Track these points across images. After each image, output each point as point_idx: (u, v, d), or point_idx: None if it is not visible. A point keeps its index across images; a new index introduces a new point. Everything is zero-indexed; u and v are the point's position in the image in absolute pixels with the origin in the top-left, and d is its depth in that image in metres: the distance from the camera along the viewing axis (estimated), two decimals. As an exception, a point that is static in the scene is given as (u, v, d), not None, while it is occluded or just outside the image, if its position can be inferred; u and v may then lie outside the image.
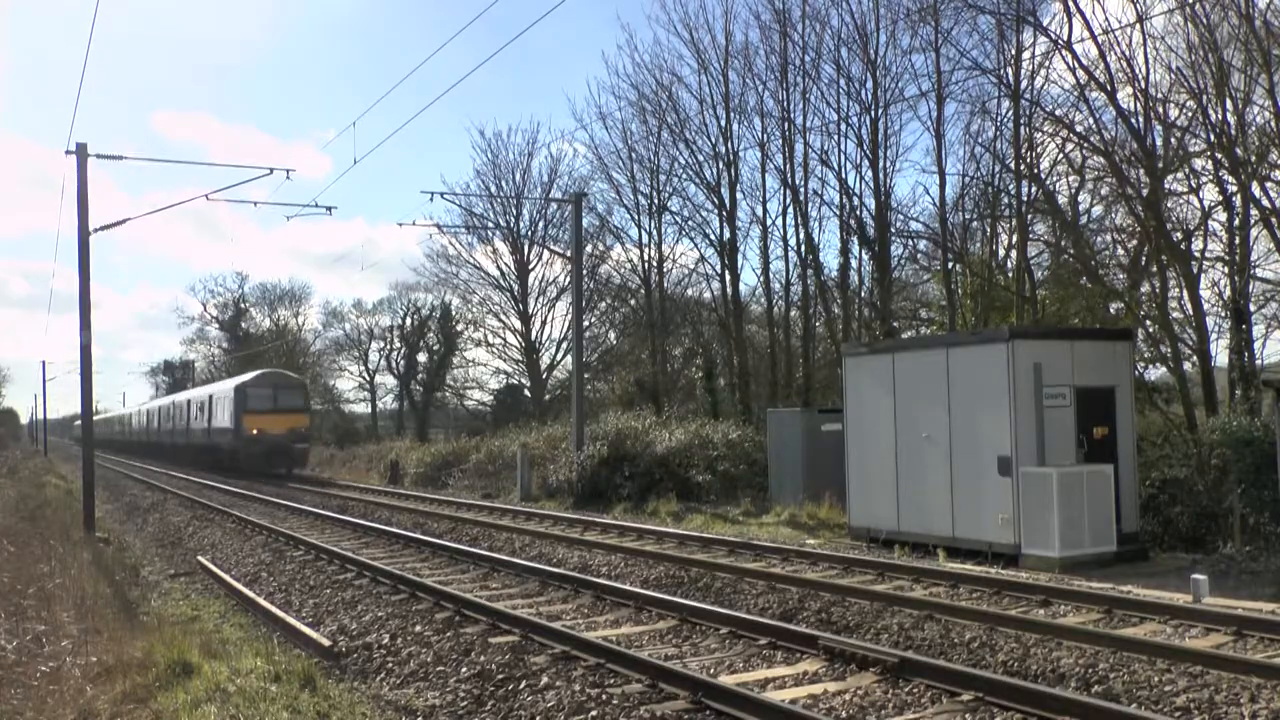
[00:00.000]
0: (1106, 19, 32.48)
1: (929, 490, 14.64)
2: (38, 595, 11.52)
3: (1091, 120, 24.48)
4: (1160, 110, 23.16)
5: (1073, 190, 25.10)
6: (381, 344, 65.07)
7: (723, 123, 32.08)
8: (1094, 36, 23.26)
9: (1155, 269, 19.92)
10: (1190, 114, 22.59)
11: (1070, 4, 23.51)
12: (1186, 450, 16.18)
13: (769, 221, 31.89)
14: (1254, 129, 19.27)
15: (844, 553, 14.14)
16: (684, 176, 34.09)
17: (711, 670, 8.07)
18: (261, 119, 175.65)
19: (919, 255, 30.28)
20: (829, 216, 32.31)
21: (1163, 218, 19.08)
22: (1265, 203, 17.94)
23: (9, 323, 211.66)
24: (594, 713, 7.08)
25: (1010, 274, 25.07)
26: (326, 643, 9.55)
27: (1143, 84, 23.03)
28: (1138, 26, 22.49)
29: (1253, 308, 18.73)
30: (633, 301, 38.54)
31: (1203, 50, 22.31)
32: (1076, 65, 23.82)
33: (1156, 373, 21.21)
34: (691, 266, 36.53)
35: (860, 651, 7.96)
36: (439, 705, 7.67)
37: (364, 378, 67.84)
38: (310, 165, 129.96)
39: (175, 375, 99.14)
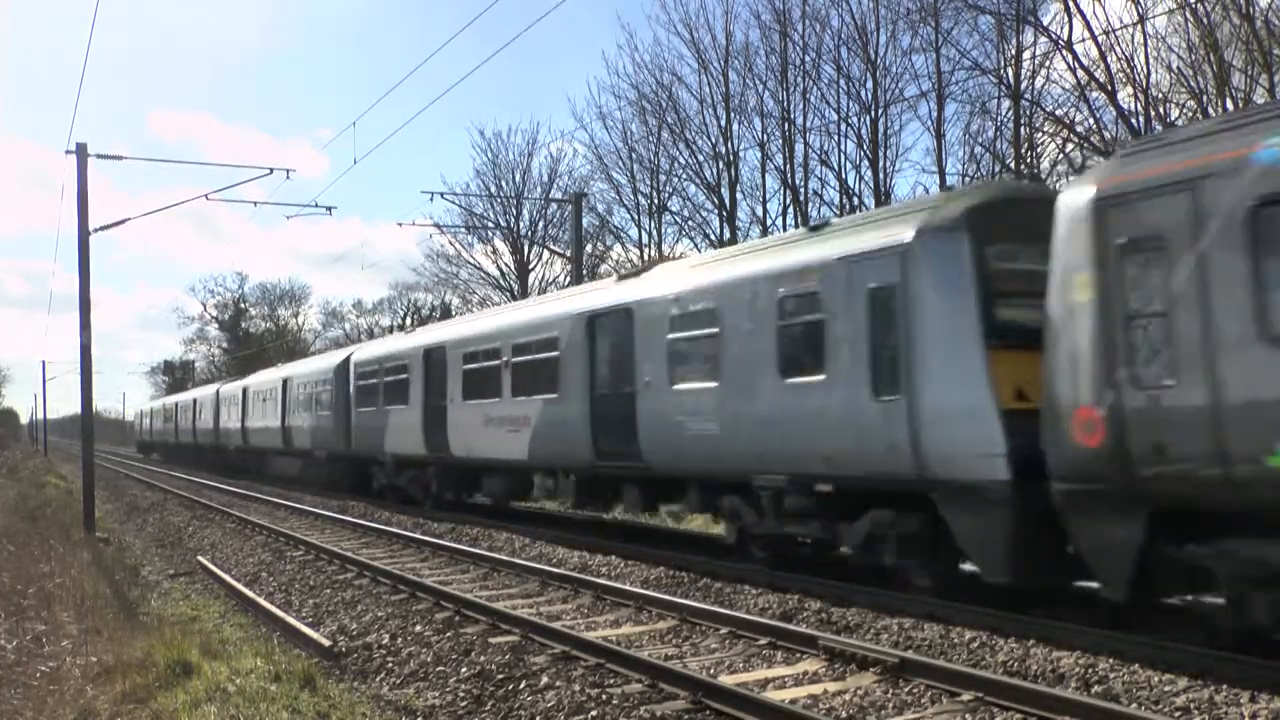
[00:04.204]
0: (1107, 19, 32.44)
1: None
2: (38, 595, 11.52)
3: (1092, 120, 24.55)
4: (1161, 110, 23.19)
5: (1073, 190, 25.14)
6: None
7: (723, 123, 32.14)
8: (1094, 37, 23.31)
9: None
10: (1191, 114, 22.61)
11: (1070, 4, 23.55)
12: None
13: (769, 221, 31.93)
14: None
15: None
16: (684, 176, 34.14)
17: (711, 670, 8.06)
18: (258, 118, 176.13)
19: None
20: (830, 216, 32.31)
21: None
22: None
23: (8, 323, 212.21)
24: (594, 713, 7.08)
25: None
26: (326, 643, 9.55)
27: (1143, 84, 23.08)
28: (1138, 27, 22.51)
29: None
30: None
31: (1203, 50, 22.33)
32: (1077, 65, 23.89)
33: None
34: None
35: (860, 651, 7.96)
36: (439, 705, 7.67)
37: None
38: (308, 164, 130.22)
39: (175, 375, 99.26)
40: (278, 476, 34.66)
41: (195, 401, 50.75)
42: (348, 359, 26.29)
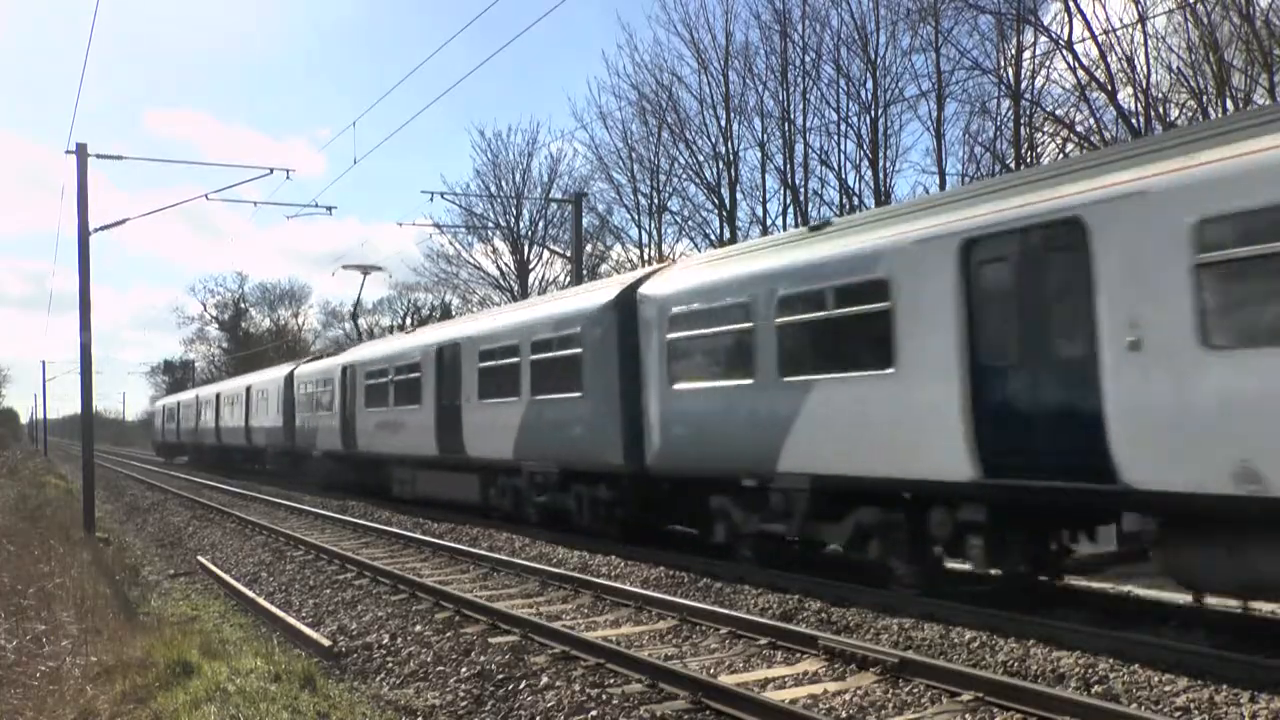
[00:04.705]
0: (1107, 19, 32.45)
1: None
2: (38, 595, 11.51)
3: (1092, 120, 24.56)
4: (1161, 110, 23.19)
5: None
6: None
7: (723, 123, 32.15)
8: (1094, 36, 23.32)
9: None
10: (1191, 114, 22.61)
11: (1071, 4, 23.56)
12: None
13: (769, 221, 31.93)
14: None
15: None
16: (684, 176, 34.14)
17: (711, 670, 8.06)
18: (257, 118, 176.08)
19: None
20: (829, 216, 32.35)
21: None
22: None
23: (8, 323, 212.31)
24: (594, 713, 7.08)
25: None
26: (326, 643, 9.55)
27: (1143, 84, 23.09)
28: (1138, 26, 22.52)
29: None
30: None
31: (1203, 50, 22.34)
32: (1077, 65, 23.90)
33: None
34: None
35: (860, 651, 7.96)
36: (439, 705, 7.67)
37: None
38: (307, 164, 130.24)
39: (175, 375, 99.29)
40: (425, 500, 21.73)
41: (250, 391, 37.77)
42: (631, 293, 14.20)
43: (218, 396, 44.44)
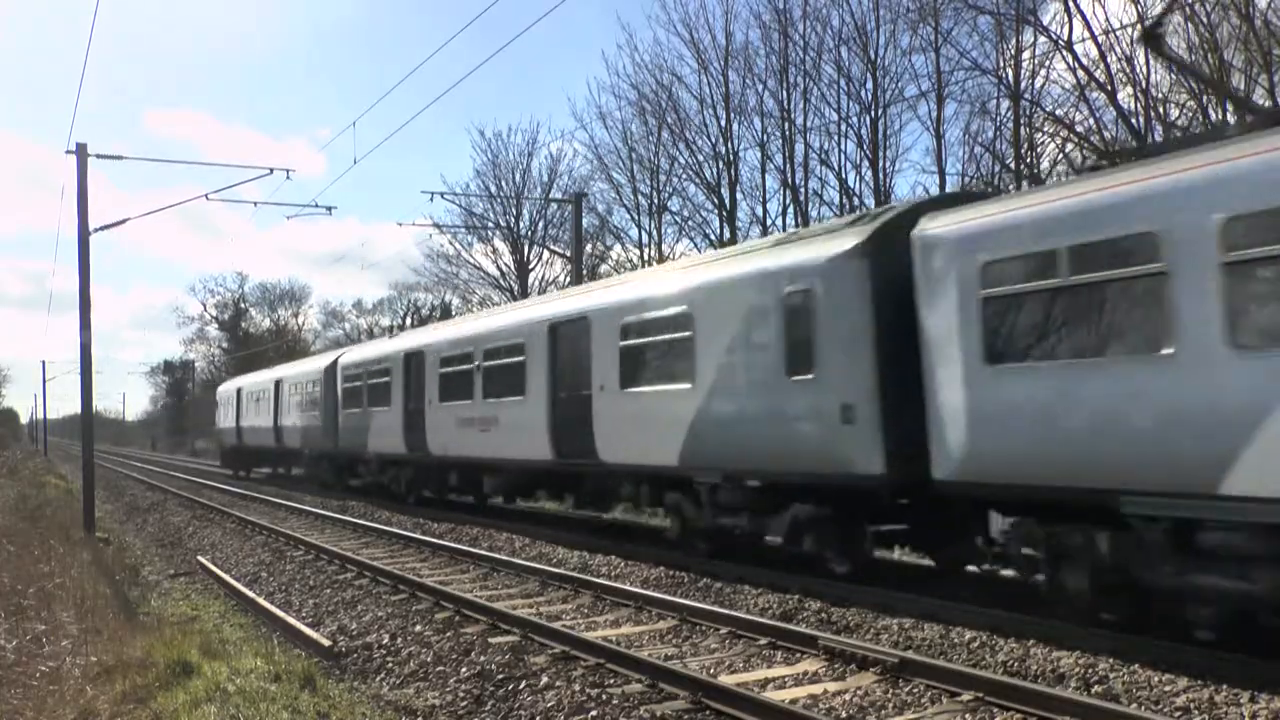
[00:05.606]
0: (1107, 19, 32.45)
1: None
2: (38, 595, 11.52)
3: (1092, 120, 24.54)
4: (1160, 110, 23.19)
5: (1073, 190, 25.16)
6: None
7: (723, 123, 32.10)
8: (1094, 37, 23.30)
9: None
10: (1190, 114, 22.61)
11: (1070, 4, 23.54)
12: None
13: (769, 221, 31.90)
14: (1254, 129, 19.21)
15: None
16: (684, 176, 34.10)
17: (711, 670, 8.07)
18: (257, 118, 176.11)
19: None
20: (829, 216, 32.33)
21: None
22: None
23: (8, 323, 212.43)
24: (594, 713, 7.08)
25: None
26: (326, 643, 9.55)
27: (1143, 84, 23.07)
28: (1138, 26, 22.50)
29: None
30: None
31: (1203, 50, 22.32)
32: (1077, 65, 23.88)
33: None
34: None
35: (860, 651, 7.96)
36: (439, 705, 7.67)
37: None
38: (307, 164, 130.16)
39: (175, 375, 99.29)
40: None
41: (490, 357, 18.19)
42: None
43: (414, 359, 21.92)
